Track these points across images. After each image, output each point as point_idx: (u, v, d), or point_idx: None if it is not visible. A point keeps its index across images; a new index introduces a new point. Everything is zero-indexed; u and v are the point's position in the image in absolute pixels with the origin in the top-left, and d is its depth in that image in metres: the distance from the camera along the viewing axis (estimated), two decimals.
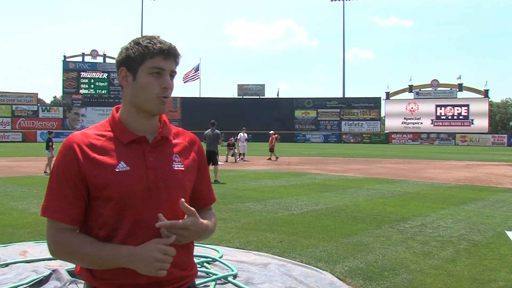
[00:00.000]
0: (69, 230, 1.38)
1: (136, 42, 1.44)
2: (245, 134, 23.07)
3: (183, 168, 1.49)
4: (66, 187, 1.37)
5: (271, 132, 24.62)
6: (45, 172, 14.50)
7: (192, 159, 1.54)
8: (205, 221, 1.44)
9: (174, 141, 1.53)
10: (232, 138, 23.25)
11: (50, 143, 15.07)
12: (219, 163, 13.79)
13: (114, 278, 1.38)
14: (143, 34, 1.51)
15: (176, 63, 1.47)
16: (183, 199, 1.38)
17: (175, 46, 1.45)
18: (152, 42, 1.42)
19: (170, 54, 1.42)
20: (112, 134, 1.45)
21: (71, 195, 1.37)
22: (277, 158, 23.26)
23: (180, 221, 1.37)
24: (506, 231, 6.36)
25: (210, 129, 13.28)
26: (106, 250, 1.34)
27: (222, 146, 15.55)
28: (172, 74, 1.45)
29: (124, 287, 1.39)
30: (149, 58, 1.40)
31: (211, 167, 12.78)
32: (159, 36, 1.45)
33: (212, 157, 12.89)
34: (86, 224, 1.43)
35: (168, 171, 1.45)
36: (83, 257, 1.35)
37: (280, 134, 60.64)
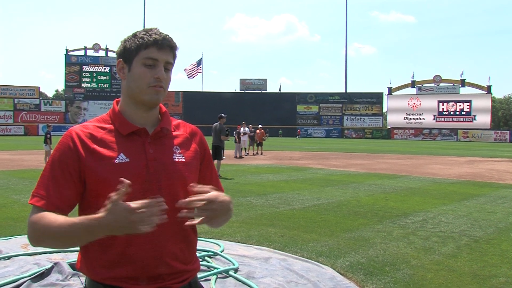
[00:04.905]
0: (44, 211, 1.30)
1: (133, 34, 1.44)
2: (246, 128, 23.01)
3: (184, 160, 1.47)
4: (60, 175, 1.34)
5: (259, 126, 24.86)
6: None
7: (193, 150, 1.52)
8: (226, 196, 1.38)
9: (174, 133, 1.51)
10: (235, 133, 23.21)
11: (48, 136, 15.04)
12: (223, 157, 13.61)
13: (114, 272, 1.38)
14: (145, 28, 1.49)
15: (173, 55, 1.45)
16: (194, 182, 1.35)
17: (170, 37, 1.43)
18: (148, 34, 1.41)
19: (164, 44, 1.40)
20: (112, 127, 1.44)
21: (62, 183, 1.34)
22: (256, 153, 23.61)
23: (206, 194, 1.29)
24: None
25: (218, 123, 13.01)
26: (81, 219, 1.22)
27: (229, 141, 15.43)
28: (168, 66, 1.43)
29: (124, 281, 1.38)
30: (143, 49, 1.39)
31: (215, 162, 12.63)
32: (157, 28, 1.43)
33: (217, 152, 12.71)
34: None
35: (169, 162, 1.43)
36: (57, 232, 1.24)
37: (282, 128, 61.22)
